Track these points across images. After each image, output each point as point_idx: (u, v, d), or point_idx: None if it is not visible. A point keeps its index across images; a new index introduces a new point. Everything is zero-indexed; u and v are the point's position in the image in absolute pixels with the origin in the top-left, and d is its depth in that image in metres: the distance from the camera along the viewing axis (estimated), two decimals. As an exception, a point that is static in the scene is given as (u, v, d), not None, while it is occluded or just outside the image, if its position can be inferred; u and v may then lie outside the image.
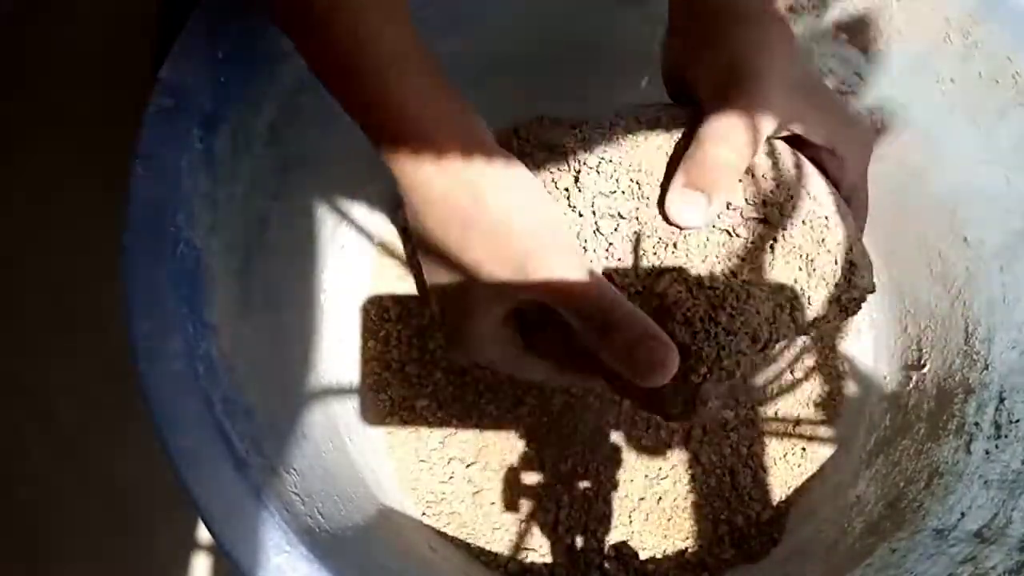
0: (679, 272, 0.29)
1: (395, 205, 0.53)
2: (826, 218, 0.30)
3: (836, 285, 0.30)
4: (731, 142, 0.29)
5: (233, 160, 0.36)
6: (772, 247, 0.30)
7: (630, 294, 0.30)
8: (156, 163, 0.32)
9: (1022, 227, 0.43)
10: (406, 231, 0.52)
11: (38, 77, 0.75)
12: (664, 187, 0.30)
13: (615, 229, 0.30)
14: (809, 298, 0.30)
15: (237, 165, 0.36)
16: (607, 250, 0.30)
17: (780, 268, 0.30)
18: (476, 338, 0.30)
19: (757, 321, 0.29)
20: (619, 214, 0.30)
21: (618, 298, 0.28)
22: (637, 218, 0.30)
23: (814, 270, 0.30)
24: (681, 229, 0.29)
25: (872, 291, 0.31)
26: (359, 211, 0.51)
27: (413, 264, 0.52)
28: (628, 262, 0.30)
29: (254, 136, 0.37)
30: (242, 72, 0.35)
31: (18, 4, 0.77)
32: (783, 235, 0.30)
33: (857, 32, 0.46)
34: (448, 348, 0.33)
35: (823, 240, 0.30)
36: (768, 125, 0.30)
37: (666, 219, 0.29)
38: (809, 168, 0.32)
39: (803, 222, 0.30)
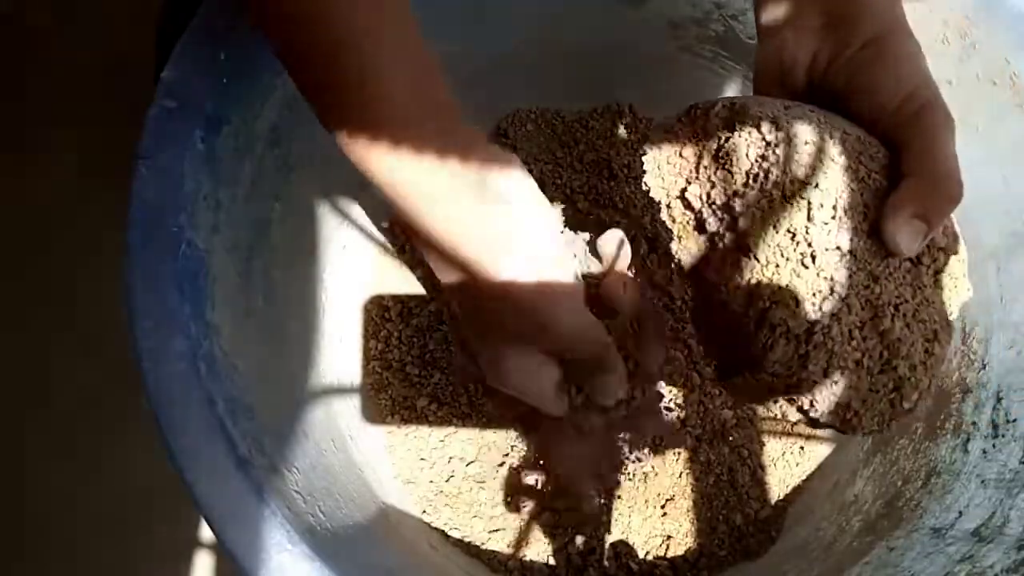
0: (895, 308, 0.28)
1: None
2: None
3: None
4: (955, 175, 0.28)
5: (235, 161, 0.36)
6: (936, 277, 0.29)
7: (850, 329, 0.27)
8: (158, 164, 0.32)
9: (1019, 228, 0.43)
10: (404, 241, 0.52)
11: (40, 78, 0.75)
12: (885, 214, 0.27)
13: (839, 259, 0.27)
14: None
15: (239, 166, 0.36)
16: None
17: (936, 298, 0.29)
18: (516, 369, 0.33)
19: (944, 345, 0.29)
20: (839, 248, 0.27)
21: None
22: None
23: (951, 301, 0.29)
24: (894, 256, 0.28)
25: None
26: (360, 212, 0.51)
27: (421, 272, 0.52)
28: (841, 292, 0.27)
29: (256, 137, 0.37)
30: (244, 73, 0.35)
31: (19, 5, 0.77)
32: (947, 267, 0.29)
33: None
34: (488, 377, 0.34)
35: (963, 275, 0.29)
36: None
37: (885, 246, 0.28)
38: None
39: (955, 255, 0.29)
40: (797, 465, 0.50)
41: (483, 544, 0.46)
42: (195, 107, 0.33)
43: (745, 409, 0.51)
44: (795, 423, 0.31)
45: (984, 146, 0.44)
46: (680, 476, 0.49)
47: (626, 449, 0.48)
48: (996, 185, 0.43)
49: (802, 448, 0.51)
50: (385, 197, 0.29)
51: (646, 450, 0.48)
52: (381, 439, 0.48)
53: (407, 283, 0.52)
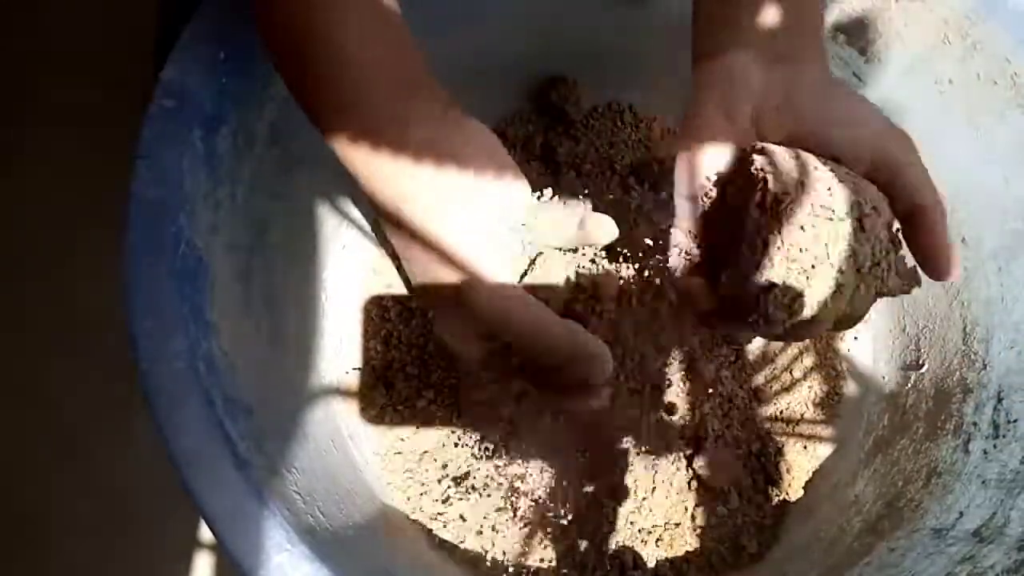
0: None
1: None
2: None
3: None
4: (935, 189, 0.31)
5: (234, 161, 0.36)
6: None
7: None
8: (157, 163, 0.32)
9: (1020, 227, 0.43)
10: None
11: (38, 77, 0.75)
12: (936, 254, 0.31)
13: None
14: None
15: (238, 166, 0.36)
16: None
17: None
18: (448, 327, 0.31)
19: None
20: None
21: (546, 328, 0.29)
22: None
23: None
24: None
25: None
26: (360, 211, 0.51)
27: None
28: None
29: (255, 137, 0.37)
30: (243, 73, 0.35)
31: (18, 4, 0.77)
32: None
33: (856, 33, 0.46)
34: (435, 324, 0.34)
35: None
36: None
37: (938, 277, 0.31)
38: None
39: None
40: (798, 466, 0.50)
41: (483, 545, 0.46)
42: (194, 106, 0.33)
43: (746, 411, 0.51)
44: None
45: (985, 145, 0.44)
46: (682, 479, 0.49)
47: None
48: (997, 185, 0.43)
49: (805, 447, 0.50)
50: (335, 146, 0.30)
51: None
52: (381, 439, 0.48)
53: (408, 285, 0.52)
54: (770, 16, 0.32)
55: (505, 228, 0.30)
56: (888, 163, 0.31)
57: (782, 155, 0.30)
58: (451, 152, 0.29)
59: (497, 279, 0.29)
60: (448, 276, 0.29)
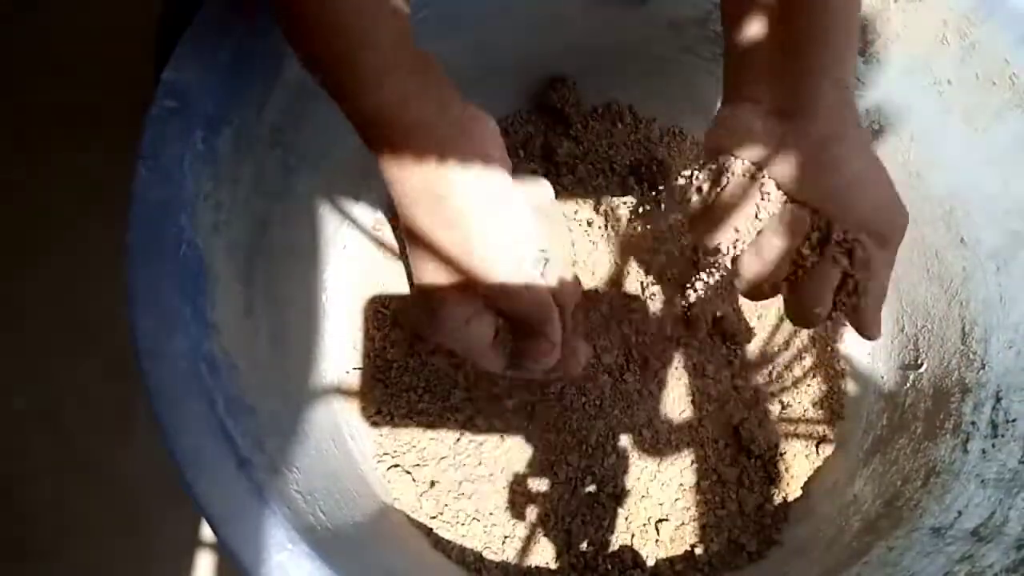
0: None
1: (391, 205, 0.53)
2: None
3: None
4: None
5: (235, 161, 0.36)
6: None
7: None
8: (159, 164, 0.32)
9: (1019, 228, 0.43)
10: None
11: (39, 77, 0.75)
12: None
13: None
14: None
15: (239, 166, 0.36)
16: None
17: None
18: (450, 318, 0.32)
19: None
20: None
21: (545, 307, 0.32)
22: None
23: None
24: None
25: None
26: (360, 212, 0.51)
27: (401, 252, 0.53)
28: None
29: (256, 137, 0.37)
30: (245, 74, 0.35)
31: (18, 5, 0.77)
32: None
33: (855, 34, 0.46)
34: (417, 327, 0.34)
35: None
36: None
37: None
38: None
39: None
40: (798, 466, 0.50)
41: (484, 546, 0.46)
42: (196, 107, 0.33)
43: (746, 412, 0.51)
44: None
45: (984, 146, 0.44)
46: (682, 479, 0.49)
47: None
48: (996, 185, 0.44)
49: (805, 446, 0.51)
50: (341, 92, 0.30)
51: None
52: (381, 439, 0.48)
53: (407, 283, 0.52)
54: (771, 71, 0.33)
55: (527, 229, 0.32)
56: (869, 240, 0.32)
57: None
58: (478, 151, 0.31)
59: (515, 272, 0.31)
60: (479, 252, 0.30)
